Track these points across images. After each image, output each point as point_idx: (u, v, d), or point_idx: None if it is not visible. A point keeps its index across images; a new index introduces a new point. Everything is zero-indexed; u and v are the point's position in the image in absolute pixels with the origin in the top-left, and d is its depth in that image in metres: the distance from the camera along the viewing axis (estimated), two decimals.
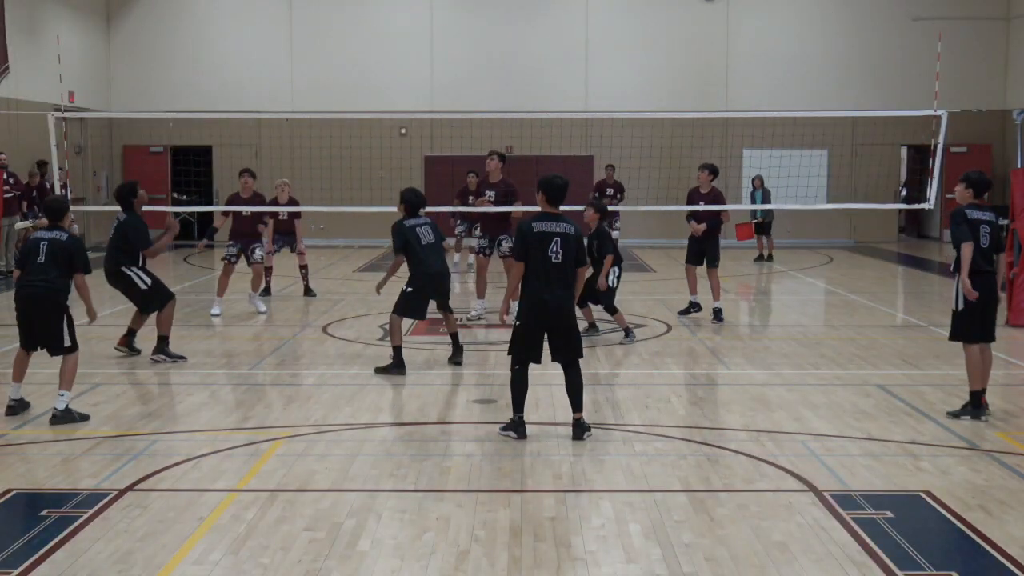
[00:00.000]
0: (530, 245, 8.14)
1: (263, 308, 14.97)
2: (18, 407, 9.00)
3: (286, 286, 17.52)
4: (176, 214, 27.29)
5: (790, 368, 11.23)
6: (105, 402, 9.49)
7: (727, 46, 27.13)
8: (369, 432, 8.65)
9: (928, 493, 7.02)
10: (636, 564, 5.85)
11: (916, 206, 18.84)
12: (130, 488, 7.11)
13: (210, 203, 26.18)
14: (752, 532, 6.32)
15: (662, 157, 24.13)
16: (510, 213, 14.19)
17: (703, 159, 25.59)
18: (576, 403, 8.34)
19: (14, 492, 7.07)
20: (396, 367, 10.69)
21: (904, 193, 27.20)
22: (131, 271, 11.39)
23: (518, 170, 26.12)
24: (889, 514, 6.61)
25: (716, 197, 14.48)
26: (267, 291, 16.44)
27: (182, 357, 11.47)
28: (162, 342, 11.47)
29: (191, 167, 26.18)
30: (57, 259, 8.89)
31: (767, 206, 21.18)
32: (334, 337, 13.11)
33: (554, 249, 8.11)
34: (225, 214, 15.58)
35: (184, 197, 27.34)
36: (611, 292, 12.61)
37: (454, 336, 11.34)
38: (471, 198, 19.30)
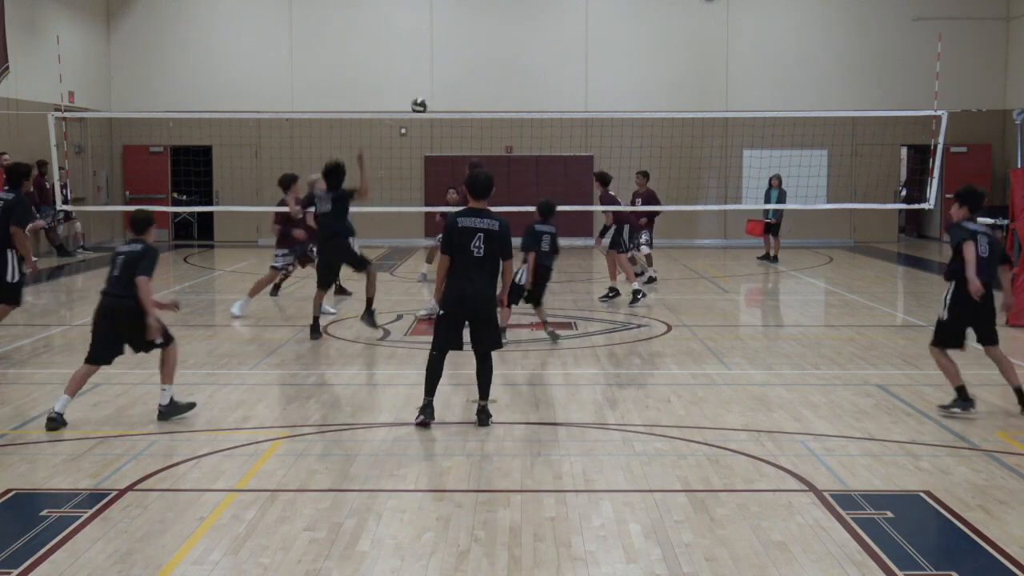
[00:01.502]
0: (455, 239, 8.51)
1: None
2: (59, 422, 8.53)
3: (287, 286, 17.51)
4: (176, 214, 27.42)
5: (790, 368, 11.23)
6: (105, 402, 9.49)
7: (727, 46, 27.13)
8: (369, 432, 8.65)
9: (928, 493, 7.02)
10: (636, 564, 5.85)
11: (916, 206, 18.86)
12: (130, 488, 7.11)
13: (210, 203, 26.23)
14: (752, 532, 6.32)
15: (662, 157, 24.14)
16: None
17: (703, 159, 25.89)
18: (483, 391, 8.77)
19: (14, 492, 7.07)
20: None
21: (904, 193, 27.20)
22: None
23: (518, 170, 26.32)
24: (889, 514, 6.61)
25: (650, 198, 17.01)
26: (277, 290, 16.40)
27: None
28: None
29: (191, 167, 26.19)
30: (130, 270, 8.69)
31: (780, 206, 21.20)
32: (334, 337, 13.11)
33: (476, 244, 8.46)
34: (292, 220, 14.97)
35: (184, 197, 27.35)
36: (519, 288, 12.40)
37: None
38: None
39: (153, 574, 5.71)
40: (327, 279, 13.06)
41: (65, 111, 18.42)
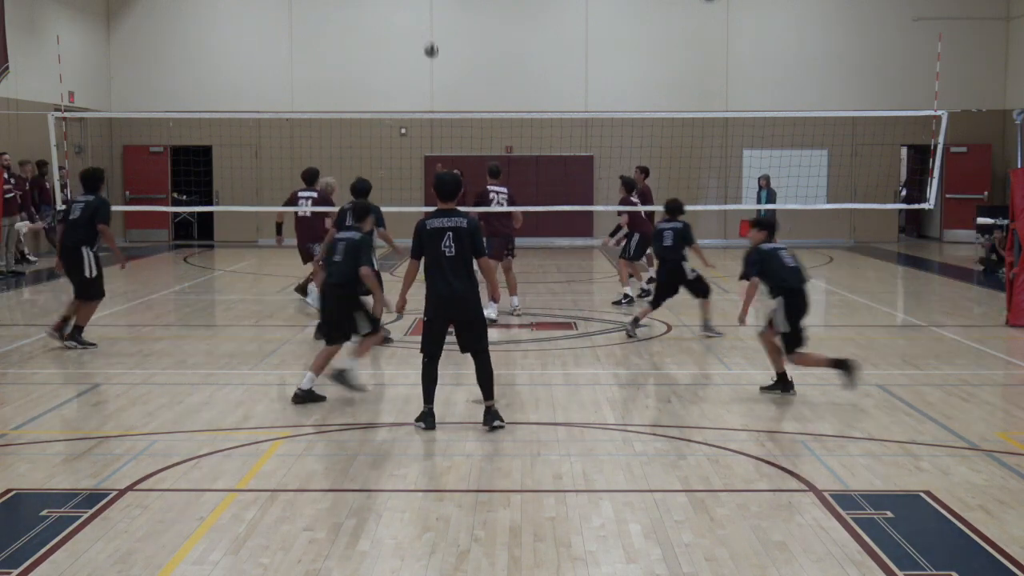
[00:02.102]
0: (425, 242, 8.56)
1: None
2: (306, 398, 9.43)
3: (287, 285, 17.51)
4: (176, 214, 27.42)
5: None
6: (105, 402, 9.48)
7: (727, 46, 27.13)
8: (369, 432, 8.65)
9: (928, 493, 7.02)
10: (636, 564, 5.85)
11: (916, 206, 18.82)
12: (130, 488, 7.10)
13: (210, 203, 26.22)
14: (752, 532, 6.32)
15: (662, 157, 24.13)
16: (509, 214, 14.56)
17: (703, 159, 25.88)
18: (485, 391, 8.67)
19: (14, 492, 7.07)
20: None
21: (904, 193, 27.20)
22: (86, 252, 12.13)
23: (518, 170, 26.29)
24: (889, 514, 6.61)
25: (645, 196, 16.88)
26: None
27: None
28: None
29: (191, 167, 26.18)
30: (349, 255, 9.62)
31: (770, 206, 21.17)
32: None
33: (447, 243, 8.48)
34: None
35: (184, 197, 27.34)
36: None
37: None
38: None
39: (153, 574, 5.71)
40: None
41: (65, 111, 18.40)
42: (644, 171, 18.44)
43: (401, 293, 8.93)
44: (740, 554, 5.98)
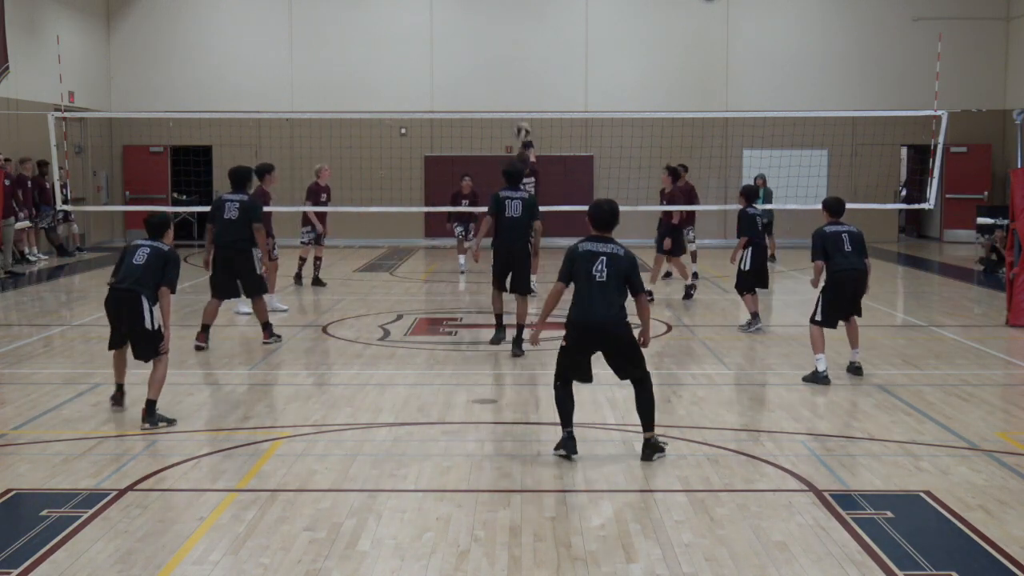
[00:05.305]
0: (576, 265, 7.89)
1: (284, 307, 15.26)
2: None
3: (286, 285, 17.51)
4: (176, 214, 27.43)
5: (790, 368, 11.22)
6: (105, 402, 9.48)
7: (727, 46, 27.12)
8: (369, 432, 8.65)
9: (928, 493, 7.03)
10: (636, 564, 5.85)
11: (916, 206, 18.84)
12: (130, 488, 7.11)
13: (210, 203, 26.17)
14: (752, 532, 6.32)
15: (662, 157, 24.10)
16: None
17: (703, 159, 25.86)
18: (644, 422, 7.90)
19: (14, 492, 7.07)
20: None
21: (904, 193, 27.19)
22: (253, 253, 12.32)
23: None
24: (889, 514, 6.61)
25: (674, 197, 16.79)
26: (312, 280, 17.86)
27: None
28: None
29: (191, 167, 26.18)
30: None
31: (767, 206, 21.17)
32: (334, 337, 13.11)
33: (599, 268, 7.82)
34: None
35: (184, 197, 27.33)
36: (741, 273, 13.49)
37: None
38: (464, 201, 19.46)
39: (153, 574, 5.71)
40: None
41: (65, 111, 18.41)
42: (684, 169, 18.60)
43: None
44: (740, 554, 5.98)
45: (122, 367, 9.15)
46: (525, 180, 15.39)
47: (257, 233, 12.28)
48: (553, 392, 7.97)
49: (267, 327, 12.52)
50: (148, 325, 8.66)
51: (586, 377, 7.99)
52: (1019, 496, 6.99)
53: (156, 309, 8.67)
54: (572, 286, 7.90)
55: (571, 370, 7.91)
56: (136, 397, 9.21)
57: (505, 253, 12.14)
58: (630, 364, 7.87)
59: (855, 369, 10.72)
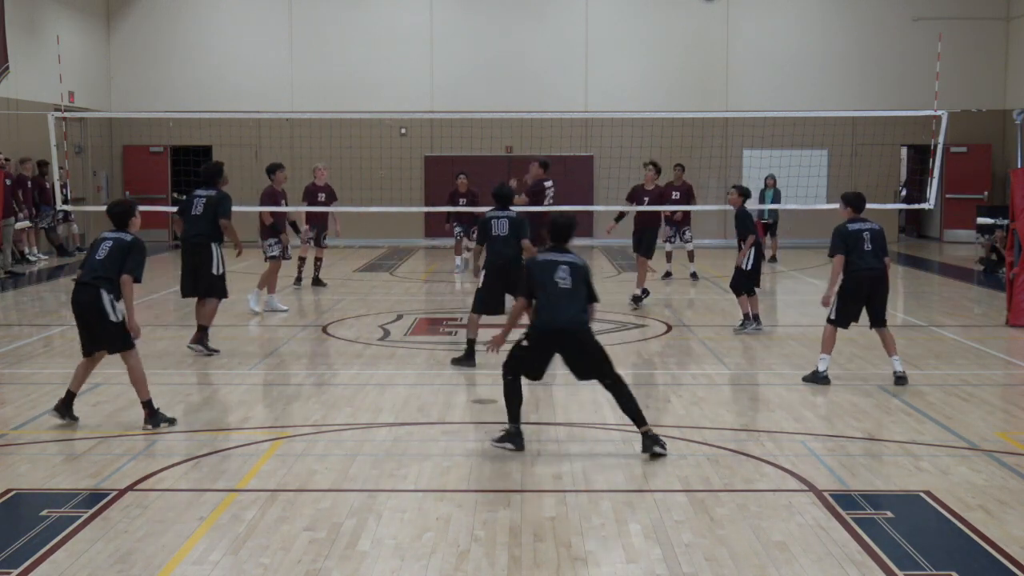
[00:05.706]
0: (535, 277, 8.01)
1: (284, 307, 15.27)
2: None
3: (285, 286, 17.51)
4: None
5: (790, 368, 11.22)
6: (105, 402, 9.49)
7: (727, 46, 27.13)
8: (369, 432, 8.64)
9: (928, 493, 7.02)
10: (636, 564, 5.85)
11: (916, 206, 18.84)
12: (130, 488, 7.10)
13: None
14: (752, 532, 6.32)
15: (662, 157, 24.06)
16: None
17: (703, 159, 25.85)
18: (634, 420, 8.00)
19: (14, 492, 7.07)
20: None
21: (904, 193, 27.19)
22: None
23: (518, 170, 26.22)
24: (889, 514, 6.61)
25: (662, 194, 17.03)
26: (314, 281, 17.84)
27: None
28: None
29: (191, 167, 26.14)
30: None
31: (775, 206, 21.21)
32: (334, 337, 13.11)
33: (562, 276, 7.95)
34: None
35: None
36: (741, 273, 13.33)
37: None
38: (461, 200, 19.50)
39: (153, 574, 5.71)
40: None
41: (65, 111, 18.40)
42: (682, 168, 19.48)
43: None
44: (740, 554, 5.98)
45: (83, 376, 8.89)
46: (546, 184, 16.50)
47: (225, 229, 12.04)
48: (503, 386, 8.03)
49: (203, 331, 11.90)
50: (111, 317, 8.54)
51: (539, 376, 8.14)
52: (1019, 496, 6.99)
53: (120, 302, 8.53)
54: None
55: (527, 369, 8.05)
56: (131, 400, 9.20)
57: (498, 260, 11.78)
58: (597, 372, 7.99)
59: (898, 378, 10.20)
